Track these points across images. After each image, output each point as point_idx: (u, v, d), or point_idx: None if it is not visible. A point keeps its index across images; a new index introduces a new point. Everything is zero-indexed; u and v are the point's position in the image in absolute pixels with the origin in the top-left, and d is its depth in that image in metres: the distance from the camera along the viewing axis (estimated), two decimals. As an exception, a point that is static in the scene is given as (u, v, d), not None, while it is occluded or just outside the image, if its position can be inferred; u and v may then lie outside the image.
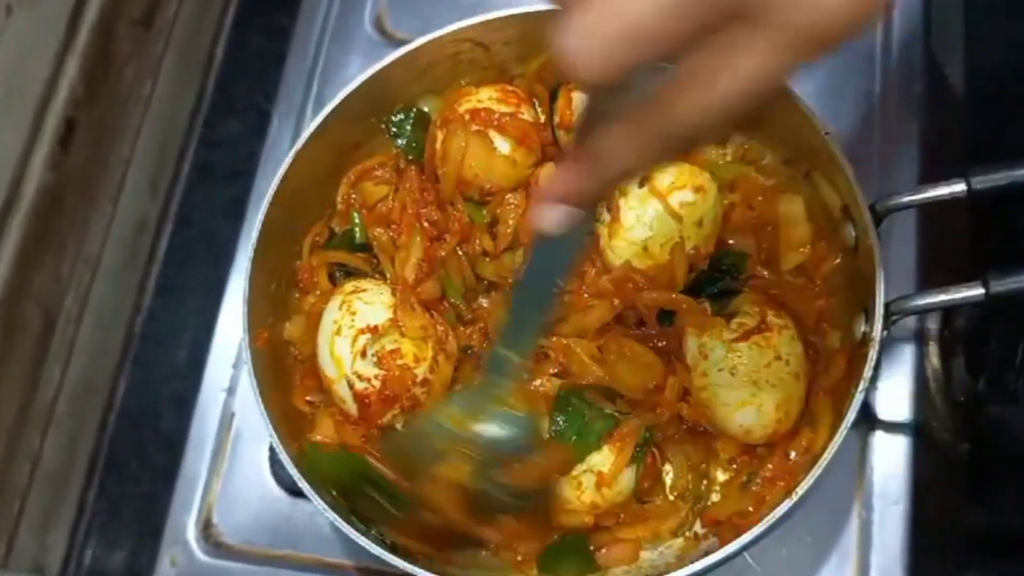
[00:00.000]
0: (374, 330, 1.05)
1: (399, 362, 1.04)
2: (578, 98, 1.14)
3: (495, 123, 1.12)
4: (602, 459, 1.02)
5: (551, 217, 0.73)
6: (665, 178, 1.07)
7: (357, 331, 1.05)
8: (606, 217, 1.08)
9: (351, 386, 1.05)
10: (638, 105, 0.64)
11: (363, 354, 1.05)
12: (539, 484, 0.98)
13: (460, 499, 0.96)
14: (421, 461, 0.96)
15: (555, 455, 1.00)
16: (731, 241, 1.12)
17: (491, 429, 0.95)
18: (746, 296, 1.07)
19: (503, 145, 1.12)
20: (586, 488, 1.03)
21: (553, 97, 1.18)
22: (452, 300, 1.13)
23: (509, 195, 1.13)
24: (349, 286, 1.10)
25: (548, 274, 0.83)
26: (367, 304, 1.07)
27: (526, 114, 1.15)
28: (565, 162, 0.72)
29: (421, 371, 1.05)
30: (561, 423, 1.03)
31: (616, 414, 1.04)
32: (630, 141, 0.66)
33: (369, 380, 1.05)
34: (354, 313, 1.07)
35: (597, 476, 1.02)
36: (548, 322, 0.96)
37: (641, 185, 1.06)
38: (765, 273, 1.11)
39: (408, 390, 1.05)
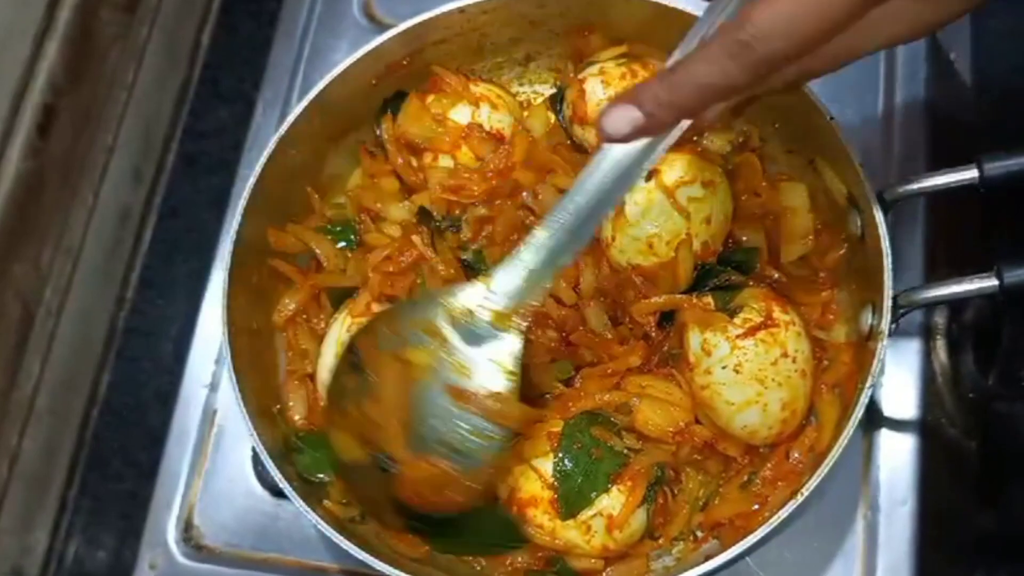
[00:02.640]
0: None
1: None
2: (590, 87, 1.10)
3: (437, 87, 1.14)
4: (611, 501, 0.97)
5: (619, 119, 0.71)
6: (673, 172, 1.02)
7: None
8: (609, 211, 1.01)
9: None
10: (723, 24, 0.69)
11: None
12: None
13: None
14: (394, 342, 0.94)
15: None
16: (744, 238, 1.07)
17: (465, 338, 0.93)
18: (751, 291, 1.02)
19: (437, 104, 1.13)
20: (595, 532, 0.97)
21: (560, 98, 1.15)
22: None
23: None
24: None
25: (596, 204, 0.84)
26: None
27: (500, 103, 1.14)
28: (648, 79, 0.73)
29: None
30: (567, 462, 0.98)
31: (626, 451, 0.99)
32: (711, 55, 0.67)
33: None
34: None
35: (607, 519, 0.97)
36: (577, 251, 0.90)
37: (648, 179, 1.01)
38: (768, 265, 1.07)
39: None
